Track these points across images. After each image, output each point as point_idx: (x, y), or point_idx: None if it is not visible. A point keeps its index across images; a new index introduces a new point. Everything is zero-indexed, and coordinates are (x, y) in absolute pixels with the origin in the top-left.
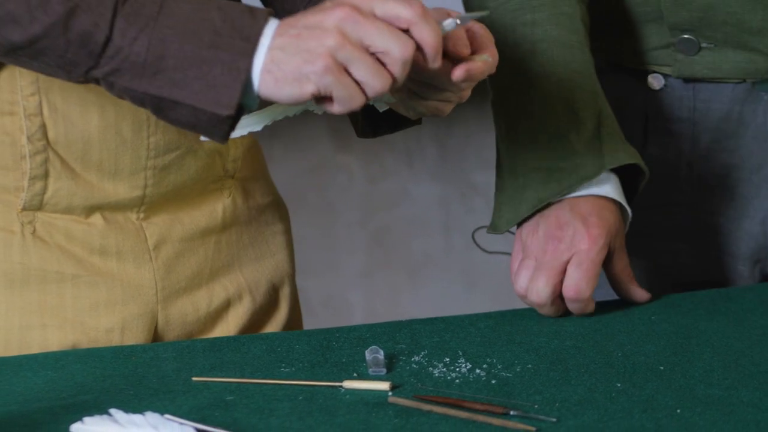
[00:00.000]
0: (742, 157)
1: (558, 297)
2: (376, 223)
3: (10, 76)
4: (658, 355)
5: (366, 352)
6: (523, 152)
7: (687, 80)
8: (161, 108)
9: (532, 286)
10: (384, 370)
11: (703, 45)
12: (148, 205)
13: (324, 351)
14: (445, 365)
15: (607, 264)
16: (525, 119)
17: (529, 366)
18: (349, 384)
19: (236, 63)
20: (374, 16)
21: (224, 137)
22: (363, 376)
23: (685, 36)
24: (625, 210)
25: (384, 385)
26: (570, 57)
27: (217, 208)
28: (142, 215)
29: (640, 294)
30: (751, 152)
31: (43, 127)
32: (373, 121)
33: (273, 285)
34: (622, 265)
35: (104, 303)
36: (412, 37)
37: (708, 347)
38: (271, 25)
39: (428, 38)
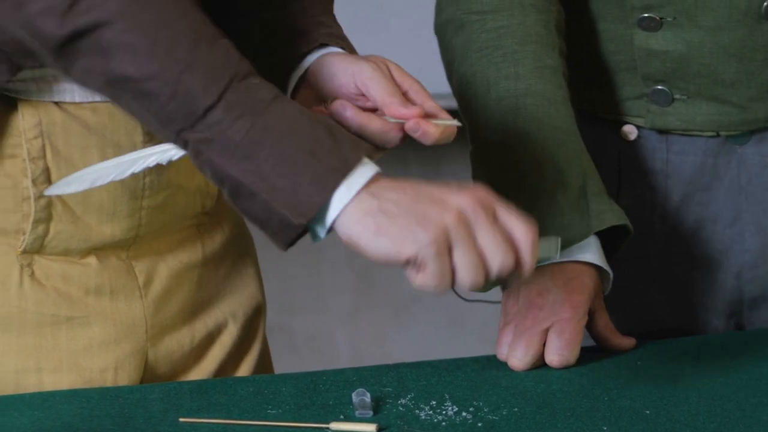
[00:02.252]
0: (715, 210)
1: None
2: (362, 262)
3: (13, 119)
4: (644, 400)
5: (353, 394)
6: None
7: (661, 132)
8: (238, 193)
9: (513, 353)
10: (370, 413)
11: (676, 96)
12: (138, 244)
13: (311, 393)
14: (432, 408)
15: (588, 324)
16: (510, 177)
17: (516, 409)
18: (335, 426)
19: (326, 178)
20: (494, 217)
21: (286, 245)
22: (350, 418)
23: (659, 87)
24: (605, 270)
25: (371, 428)
26: (554, 113)
27: (195, 243)
28: (131, 254)
29: (625, 343)
30: (724, 205)
31: (47, 171)
32: None
33: (248, 316)
34: (603, 322)
35: (98, 343)
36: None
37: (694, 392)
38: (370, 166)
39: (527, 263)
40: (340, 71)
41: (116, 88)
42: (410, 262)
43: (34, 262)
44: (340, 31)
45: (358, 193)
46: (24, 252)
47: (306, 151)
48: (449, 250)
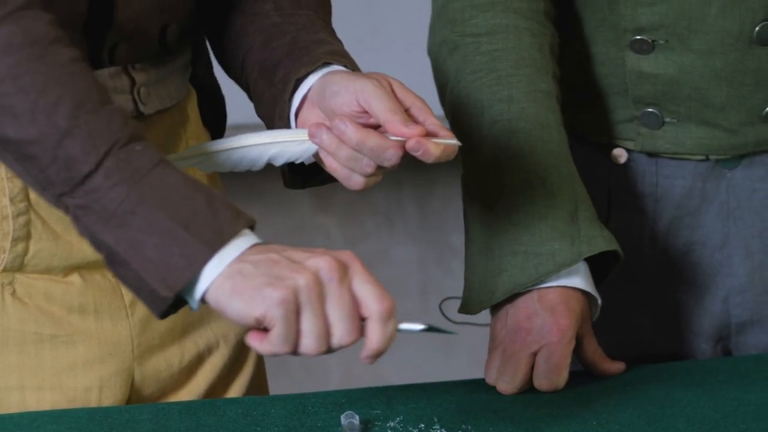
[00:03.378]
0: (704, 234)
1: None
2: None
3: None
4: (633, 425)
5: (341, 416)
6: (500, 234)
7: (650, 155)
8: (112, 261)
9: (501, 377)
10: None
11: (667, 119)
12: None
13: (300, 415)
14: (421, 431)
15: (577, 349)
16: (502, 200)
17: None
18: None
19: (196, 252)
20: (349, 286)
21: (159, 316)
22: None
23: (649, 110)
24: (594, 296)
25: None
26: (547, 137)
27: None
28: None
29: (614, 368)
30: (713, 229)
31: (26, 189)
32: (301, 172)
33: (240, 338)
34: (591, 348)
35: (82, 362)
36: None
37: (683, 417)
38: (248, 238)
39: (375, 341)
40: (342, 89)
41: (15, 149)
42: (260, 323)
43: (16, 280)
44: (342, 48)
45: (229, 265)
46: (4, 270)
47: (180, 223)
48: (297, 313)
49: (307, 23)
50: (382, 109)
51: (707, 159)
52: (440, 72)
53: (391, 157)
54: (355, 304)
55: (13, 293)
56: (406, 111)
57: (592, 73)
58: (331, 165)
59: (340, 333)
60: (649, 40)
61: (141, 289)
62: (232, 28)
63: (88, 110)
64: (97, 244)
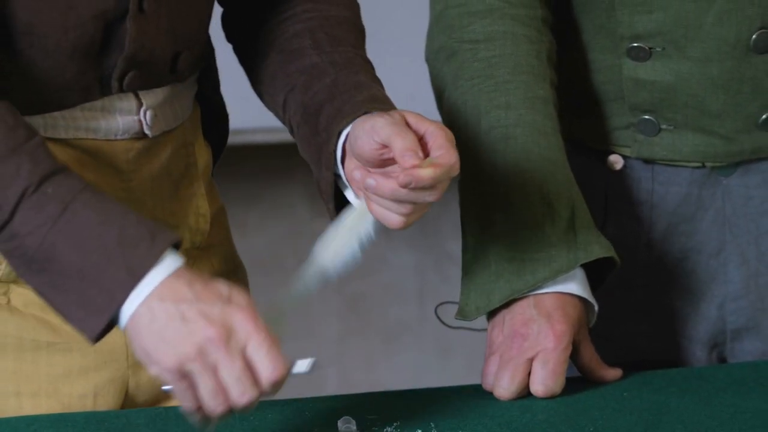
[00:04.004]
0: (700, 241)
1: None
2: (351, 289)
3: None
4: (630, 431)
5: (338, 421)
6: (496, 240)
7: (647, 162)
8: (43, 298)
9: (498, 382)
10: None
11: (663, 127)
12: None
13: (296, 420)
14: None
15: (574, 356)
16: (499, 207)
17: None
18: None
19: (112, 293)
20: (240, 351)
21: (92, 343)
22: None
23: (646, 117)
24: (590, 302)
25: None
26: (544, 143)
27: None
28: None
29: (611, 374)
30: (709, 236)
31: None
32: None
33: None
34: (588, 354)
35: (77, 369)
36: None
37: (679, 424)
38: (162, 269)
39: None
40: (361, 133)
41: None
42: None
43: (11, 290)
44: (379, 89)
45: (137, 309)
46: (0, 281)
47: (94, 266)
48: (190, 378)
49: (347, 62)
50: (396, 147)
51: (703, 166)
52: (438, 78)
53: (429, 197)
54: (246, 369)
55: (8, 302)
56: (421, 139)
57: (589, 80)
58: (370, 208)
59: (234, 394)
60: (646, 48)
61: (70, 321)
62: (271, 67)
63: (1, 158)
64: (25, 282)
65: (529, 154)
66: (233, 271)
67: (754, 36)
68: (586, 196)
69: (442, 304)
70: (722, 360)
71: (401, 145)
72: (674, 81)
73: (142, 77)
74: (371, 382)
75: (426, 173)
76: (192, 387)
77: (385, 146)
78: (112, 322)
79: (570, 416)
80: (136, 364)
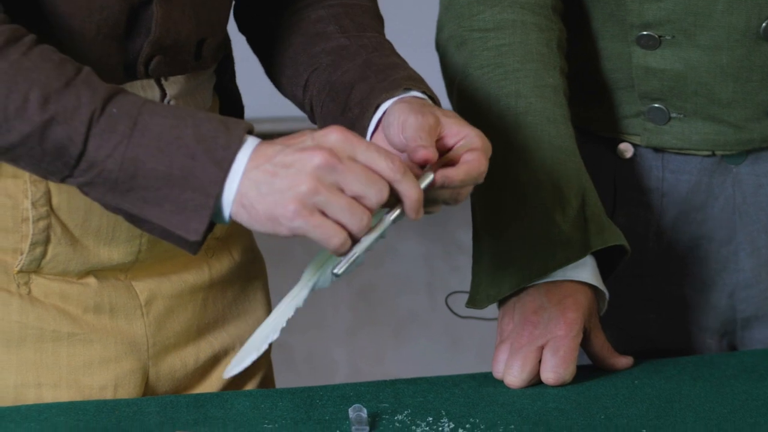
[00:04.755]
0: (710, 229)
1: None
2: (361, 280)
3: None
4: (641, 419)
5: (349, 410)
6: (507, 228)
7: (656, 150)
8: (134, 221)
9: (509, 370)
10: (367, 428)
11: (673, 115)
12: (138, 267)
13: (307, 408)
14: (428, 424)
15: (585, 344)
16: (510, 195)
17: (512, 427)
18: None
19: (206, 190)
20: (353, 160)
21: (195, 252)
22: None
23: (656, 105)
24: (601, 290)
25: None
26: (554, 132)
27: (202, 267)
28: (130, 275)
29: (622, 362)
30: (719, 225)
31: (48, 193)
32: None
33: None
34: (599, 342)
35: (98, 360)
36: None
37: (691, 412)
38: (246, 149)
39: (409, 193)
40: (394, 122)
41: (7, 155)
42: (294, 235)
43: (32, 281)
44: (415, 72)
45: (238, 191)
46: (20, 271)
47: (180, 168)
48: (320, 211)
49: (377, 45)
50: (416, 157)
51: (713, 154)
52: (448, 67)
53: (459, 197)
54: (367, 169)
55: (29, 293)
56: (447, 149)
57: (598, 69)
58: None
59: (371, 195)
60: (656, 36)
61: (170, 238)
62: (291, 49)
63: (56, 94)
64: (113, 209)
65: (539, 142)
66: (252, 262)
67: (763, 24)
68: (596, 184)
69: (452, 293)
70: (732, 348)
71: (414, 145)
72: (684, 69)
73: (167, 63)
74: (382, 372)
75: (456, 174)
76: (327, 218)
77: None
78: (213, 221)
79: (581, 404)
80: (157, 355)
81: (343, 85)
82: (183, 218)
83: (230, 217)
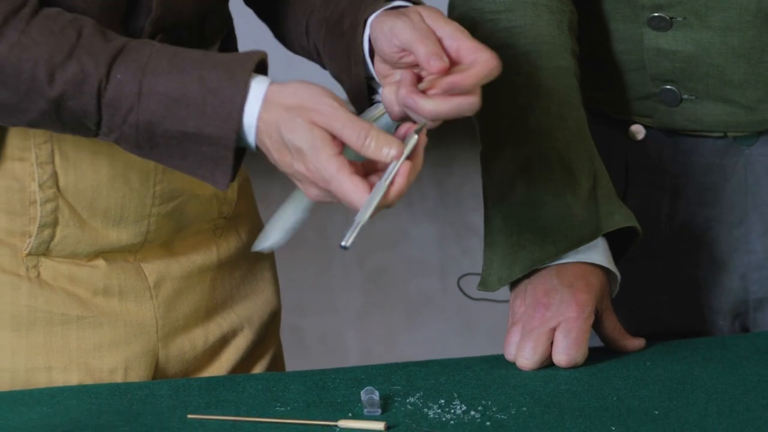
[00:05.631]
0: (722, 210)
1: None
2: (373, 263)
3: None
4: (653, 400)
5: (361, 392)
6: (518, 210)
7: (668, 132)
8: (169, 168)
9: (521, 352)
10: (379, 411)
11: (685, 96)
12: (147, 248)
13: (319, 391)
14: (440, 407)
15: (596, 326)
16: (520, 177)
17: (524, 409)
18: (344, 423)
19: (222, 142)
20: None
21: (227, 187)
22: (358, 416)
23: (667, 87)
24: (613, 272)
25: (379, 425)
26: (566, 113)
27: (210, 247)
28: (140, 256)
29: (634, 344)
30: (731, 206)
31: (55, 175)
32: None
33: (263, 321)
34: (611, 324)
35: (108, 343)
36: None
37: (703, 393)
38: (256, 95)
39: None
40: (380, 34)
41: (36, 128)
42: None
43: (40, 263)
44: None
45: (259, 118)
46: (29, 254)
47: (193, 125)
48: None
49: None
50: (420, 54)
51: (725, 136)
52: None
53: (470, 107)
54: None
55: (38, 276)
56: (440, 41)
57: (610, 50)
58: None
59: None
60: (667, 17)
61: (204, 181)
62: (290, 3)
63: (60, 67)
64: (143, 159)
65: (550, 124)
66: None
67: None
68: (608, 166)
69: (464, 276)
70: (745, 330)
71: (424, 51)
72: (695, 50)
73: (170, 41)
74: (394, 355)
75: (468, 77)
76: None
77: (404, 50)
78: (238, 163)
79: (593, 386)
80: (166, 337)
81: (335, 17)
82: (207, 169)
83: (254, 146)
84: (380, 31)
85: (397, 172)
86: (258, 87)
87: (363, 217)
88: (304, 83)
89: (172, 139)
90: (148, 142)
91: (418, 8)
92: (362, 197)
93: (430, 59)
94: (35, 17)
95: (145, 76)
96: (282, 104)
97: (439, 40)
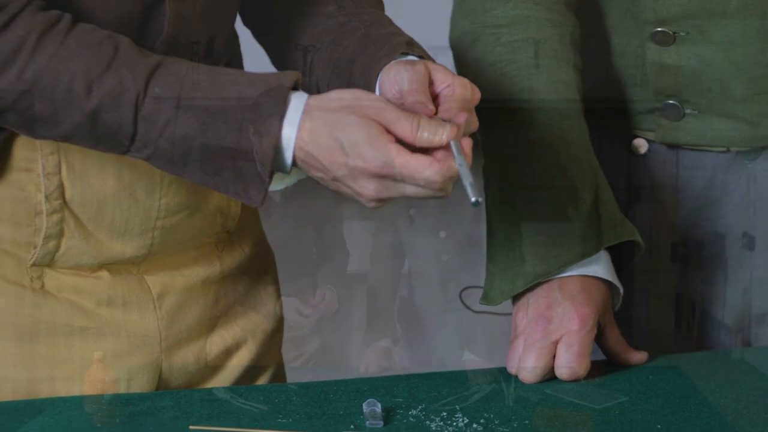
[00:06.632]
0: (725, 225)
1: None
2: (375, 275)
3: None
4: (656, 414)
5: (363, 404)
6: (520, 225)
7: (671, 146)
8: (174, 182)
9: (523, 365)
10: (381, 423)
11: (687, 111)
12: (150, 260)
13: (321, 403)
14: (443, 419)
15: (599, 339)
16: (523, 191)
17: (526, 422)
18: None
19: (259, 158)
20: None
21: (260, 206)
22: (360, 429)
23: (670, 101)
24: (616, 286)
25: None
26: (568, 127)
27: (213, 260)
28: (143, 268)
29: (637, 358)
30: (734, 221)
31: (61, 187)
32: None
33: (267, 334)
34: (614, 337)
35: (111, 354)
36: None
37: (705, 407)
38: (295, 110)
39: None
40: (386, 79)
41: (67, 142)
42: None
43: (45, 274)
44: (413, 39)
45: (299, 132)
46: (34, 265)
47: (231, 139)
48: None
49: (375, 19)
50: (407, 101)
51: (728, 150)
52: (462, 64)
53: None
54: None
55: (42, 287)
56: (434, 98)
57: (613, 64)
58: None
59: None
60: (671, 32)
61: (235, 197)
62: (295, 32)
63: (98, 79)
64: (176, 176)
65: (552, 138)
66: (262, 255)
67: None
68: (610, 180)
69: (466, 288)
70: (747, 344)
71: (411, 101)
72: (698, 66)
73: None
74: (396, 367)
75: (450, 106)
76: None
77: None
78: (270, 180)
79: (595, 399)
80: (169, 349)
81: (345, 60)
82: (241, 185)
83: (291, 163)
84: (387, 76)
85: (462, 144)
86: (297, 101)
87: (468, 176)
88: (342, 89)
89: (207, 154)
90: (183, 158)
91: (428, 63)
92: (431, 167)
93: (415, 107)
94: (72, 31)
95: (183, 90)
96: (327, 108)
97: (435, 98)
